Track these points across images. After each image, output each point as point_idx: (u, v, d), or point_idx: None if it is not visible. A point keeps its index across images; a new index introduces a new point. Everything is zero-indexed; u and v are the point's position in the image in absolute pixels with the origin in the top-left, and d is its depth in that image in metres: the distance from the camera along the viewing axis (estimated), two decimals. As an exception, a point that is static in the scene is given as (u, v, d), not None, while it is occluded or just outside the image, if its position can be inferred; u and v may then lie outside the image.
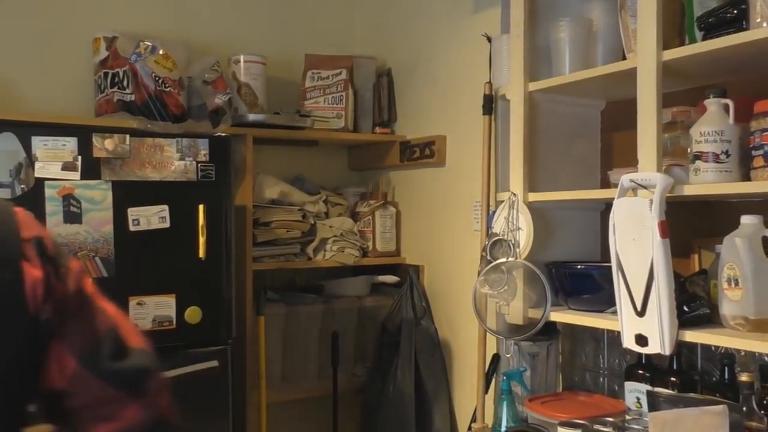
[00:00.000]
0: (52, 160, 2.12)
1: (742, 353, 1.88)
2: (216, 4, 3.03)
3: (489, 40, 2.37)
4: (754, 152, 1.69)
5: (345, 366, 2.91)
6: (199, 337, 2.31)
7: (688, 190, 1.77)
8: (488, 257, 2.20)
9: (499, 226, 2.21)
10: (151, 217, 2.25)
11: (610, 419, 1.90)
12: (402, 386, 2.60)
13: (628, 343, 1.85)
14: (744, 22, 1.68)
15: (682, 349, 1.94)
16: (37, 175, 2.10)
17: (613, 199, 1.87)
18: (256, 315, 2.67)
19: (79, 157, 2.15)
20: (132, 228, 2.22)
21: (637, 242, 1.80)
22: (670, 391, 1.88)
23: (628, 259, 1.83)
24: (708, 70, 1.89)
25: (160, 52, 2.47)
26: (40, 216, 2.09)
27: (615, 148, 2.34)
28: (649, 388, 1.93)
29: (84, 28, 2.71)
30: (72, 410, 0.98)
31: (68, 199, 2.13)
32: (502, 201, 2.24)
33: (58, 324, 0.95)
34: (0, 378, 0.91)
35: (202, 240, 2.30)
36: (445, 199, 2.76)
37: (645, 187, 1.81)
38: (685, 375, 1.96)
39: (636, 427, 1.86)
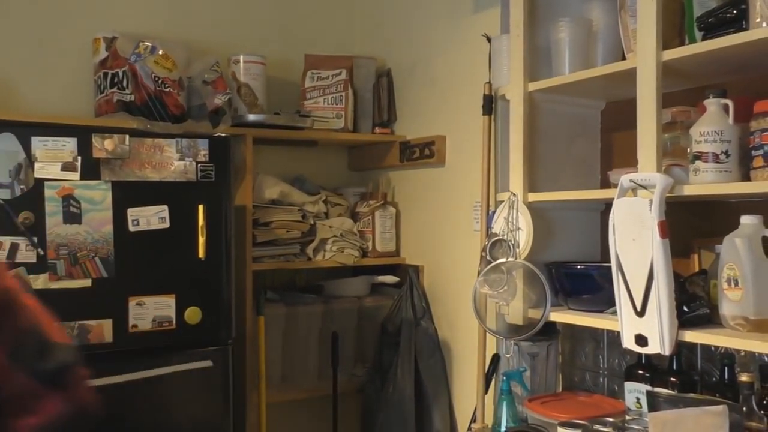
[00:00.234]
0: (52, 160, 2.12)
1: (742, 353, 1.88)
2: (216, 4, 3.03)
3: (489, 40, 2.37)
4: (753, 152, 1.69)
5: (345, 366, 2.91)
6: (198, 338, 2.31)
7: (688, 190, 1.77)
8: (488, 257, 2.20)
9: (498, 226, 2.21)
10: (151, 218, 2.25)
11: (610, 419, 1.90)
12: (402, 386, 2.60)
13: (628, 343, 1.85)
14: (744, 22, 1.68)
15: (681, 349, 1.94)
16: (36, 175, 2.10)
17: (613, 199, 1.87)
18: (256, 315, 2.67)
19: (79, 158, 2.15)
20: (132, 228, 2.21)
21: (636, 242, 1.80)
22: (670, 392, 1.88)
23: (627, 260, 1.83)
24: (708, 70, 1.89)
25: (160, 52, 2.47)
26: (40, 216, 2.09)
27: (615, 148, 2.34)
28: (649, 388, 1.93)
29: (84, 29, 2.71)
30: None
31: (68, 199, 2.13)
32: (502, 201, 2.24)
33: None
34: None
35: (201, 240, 2.30)
36: (445, 200, 2.76)
37: (645, 187, 1.81)
38: (685, 375, 1.96)
39: (636, 427, 1.86)
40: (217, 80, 2.57)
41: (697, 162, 1.76)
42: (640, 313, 1.80)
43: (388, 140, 3.01)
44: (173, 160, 2.28)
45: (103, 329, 2.17)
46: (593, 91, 2.25)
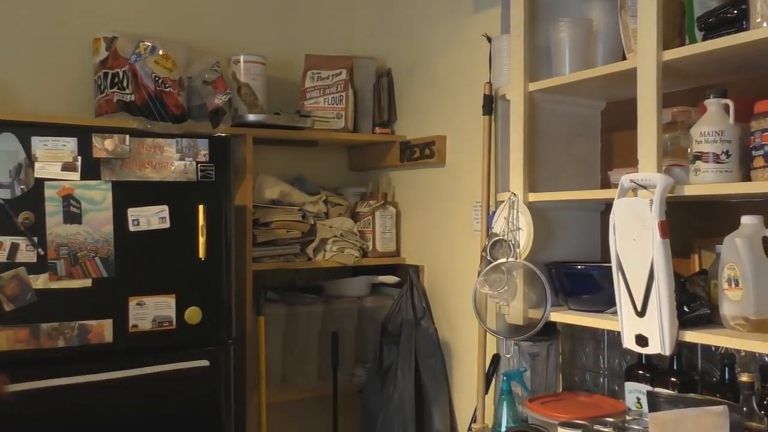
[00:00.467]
0: (52, 160, 2.12)
1: (743, 353, 1.88)
2: (216, 4, 3.03)
3: (489, 40, 2.37)
4: (754, 152, 1.69)
5: (345, 366, 2.91)
6: (199, 338, 2.31)
7: (689, 191, 1.77)
8: (488, 257, 2.20)
9: (499, 226, 2.21)
10: (151, 218, 2.25)
11: (611, 419, 1.90)
12: (402, 386, 2.60)
13: (629, 343, 1.85)
14: (744, 22, 1.68)
15: (682, 349, 1.94)
16: (36, 175, 2.10)
17: (614, 199, 1.87)
18: (256, 315, 2.67)
19: (79, 158, 2.15)
20: (132, 228, 2.21)
21: (637, 242, 1.80)
22: (670, 392, 1.88)
23: (628, 260, 1.83)
24: (708, 70, 1.89)
25: (160, 52, 2.47)
26: (41, 216, 2.09)
27: (615, 149, 2.34)
28: (650, 388, 1.93)
29: (84, 29, 2.71)
30: None
31: (68, 199, 2.13)
32: (502, 201, 2.24)
33: None
34: None
35: (202, 240, 2.30)
36: (445, 200, 2.76)
37: (645, 188, 1.81)
38: (686, 375, 1.96)
39: (636, 427, 1.86)
40: (218, 80, 2.57)
41: (698, 162, 1.76)
42: (641, 314, 1.80)
43: (389, 140, 3.01)
44: (173, 160, 2.28)
45: (103, 329, 2.17)
46: (593, 91, 2.25)
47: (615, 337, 2.19)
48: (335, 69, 2.99)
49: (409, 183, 3.00)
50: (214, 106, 2.53)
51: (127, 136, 2.22)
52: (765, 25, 1.61)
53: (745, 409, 1.68)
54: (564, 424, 1.91)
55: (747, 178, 1.72)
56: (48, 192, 2.11)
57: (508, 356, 2.26)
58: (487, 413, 2.32)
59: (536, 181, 2.22)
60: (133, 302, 2.21)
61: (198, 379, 2.30)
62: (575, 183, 2.28)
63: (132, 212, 2.22)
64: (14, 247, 2.06)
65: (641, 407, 1.98)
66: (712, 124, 1.76)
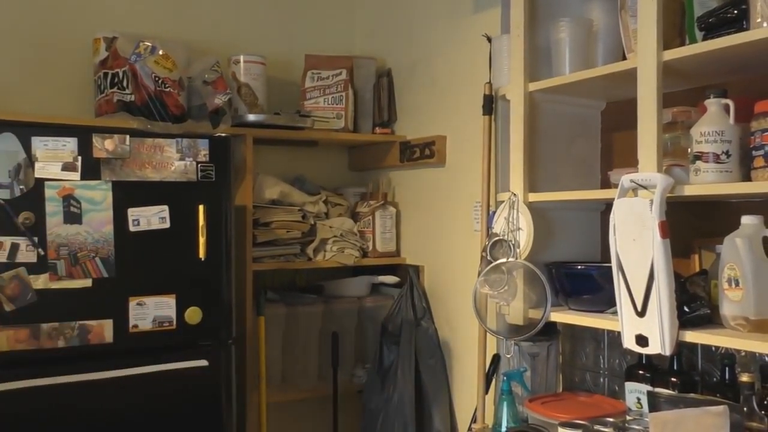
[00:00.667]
0: (52, 160, 2.12)
1: (743, 353, 1.88)
2: (216, 4, 3.03)
3: (489, 40, 2.37)
4: (754, 152, 1.69)
5: (345, 366, 2.91)
6: (199, 338, 2.31)
7: (689, 191, 1.77)
8: (488, 257, 2.20)
9: (499, 226, 2.21)
10: (151, 218, 2.24)
11: (611, 420, 1.90)
12: (402, 387, 2.60)
13: (629, 343, 1.85)
14: (744, 22, 1.68)
15: (682, 349, 1.94)
16: (37, 175, 2.10)
17: (614, 199, 1.87)
18: (257, 315, 2.67)
19: (79, 158, 2.15)
20: (132, 228, 2.21)
21: (637, 242, 1.80)
22: (670, 392, 1.88)
23: (628, 260, 1.83)
24: (708, 70, 1.89)
25: (160, 52, 2.47)
26: (41, 216, 2.09)
27: (615, 149, 2.34)
28: (650, 388, 1.93)
29: (84, 29, 2.71)
30: None
31: (68, 199, 2.13)
32: (503, 201, 2.24)
33: None
34: None
35: (202, 240, 2.30)
36: (445, 200, 2.76)
37: (645, 188, 1.81)
38: (686, 375, 1.96)
39: (636, 427, 1.86)
40: (218, 80, 2.57)
41: (698, 162, 1.76)
42: (641, 314, 1.80)
43: (389, 140, 3.01)
44: (173, 160, 2.28)
45: (103, 329, 2.17)
46: (594, 91, 2.24)
47: (615, 337, 2.19)
48: (335, 69, 2.99)
49: (409, 183, 3.00)
50: (214, 106, 2.53)
51: (128, 136, 2.22)
52: (765, 25, 1.61)
53: (745, 409, 1.68)
54: (564, 425, 1.91)
55: (747, 178, 1.72)
56: (48, 192, 2.11)
57: (509, 356, 2.26)
58: (487, 413, 2.32)
59: (536, 181, 2.22)
60: (133, 302, 2.21)
61: (198, 379, 2.30)
62: (575, 183, 2.28)
63: (132, 212, 2.22)
64: (14, 248, 2.06)
65: (641, 407, 1.98)
66: (712, 124, 1.76)
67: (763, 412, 1.68)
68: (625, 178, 1.84)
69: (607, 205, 2.00)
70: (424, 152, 2.81)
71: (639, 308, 1.80)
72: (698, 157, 1.76)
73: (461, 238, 2.65)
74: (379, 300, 2.99)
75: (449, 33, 2.73)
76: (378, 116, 3.04)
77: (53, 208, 2.11)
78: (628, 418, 1.96)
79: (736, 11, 1.70)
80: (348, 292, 2.99)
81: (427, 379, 2.62)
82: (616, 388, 2.23)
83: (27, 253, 2.08)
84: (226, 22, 3.04)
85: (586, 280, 2.11)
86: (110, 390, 2.18)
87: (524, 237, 2.16)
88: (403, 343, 2.64)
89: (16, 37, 2.66)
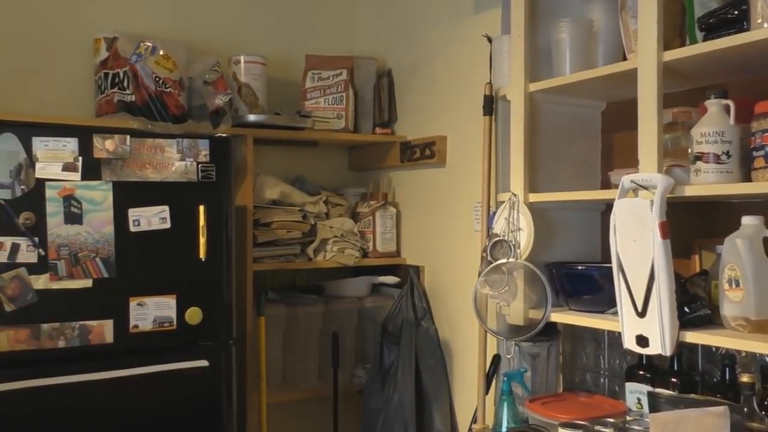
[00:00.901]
0: (53, 160, 2.12)
1: (743, 354, 1.88)
2: (216, 4, 3.04)
3: (489, 40, 2.37)
4: (754, 153, 1.68)
5: (345, 367, 2.91)
6: (199, 338, 2.31)
7: (689, 191, 1.77)
8: (489, 258, 2.20)
9: (499, 226, 2.21)
10: (152, 218, 2.25)
11: (611, 420, 1.90)
12: (402, 387, 2.60)
13: (629, 343, 1.85)
14: (745, 23, 1.68)
15: (682, 349, 1.94)
16: (37, 175, 2.10)
17: (614, 199, 1.87)
18: (257, 315, 2.67)
19: (80, 158, 2.15)
20: (132, 228, 2.21)
21: (637, 243, 1.80)
22: (670, 392, 1.88)
23: (628, 260, 1.83)
24: (709, 70, 1.89)
25: (161, 52, 2.47)
26: (41, 217, 2.09)
27: (616, 149, 2.34)
28: (650, 388, 1.93)
29: (84, 29, 2.71)
30: None
31: (69, 199, 2.13)
32: (503, 201, 2.24)
33: None
34: None
35: (202, 240, 2.30)
36: (446, 200, 2.76)
37: (646, 188, 1.81)
38: (686, 376, 1.96)
39: (637, 428, 1.86)
40: (218, 80, 2.57)
41: (698, 163, 1.76)
42: (641, 314, 1.80)
43: (389, 140, 3.01)
44: (174, 161, 2.28)
45: (103, 329, 2.17)
46: (594, 92, 2.24)
47: (615, 337, 2.19)
48: (335, 69, 2.99)
49: (410, 183, 3.00)
50: (215, 107, 2.53)
51: (128, 137, 2.22)
52: (766, 25, 1.61)
53: (745, 409, 1.68)
54: (564, 425, 1.91)
55: (747, 178, 1.72)
56: (49, 192, 2.11)
57: (509, 357, 2.26)
58: (487, 414, 2.32)
59: (536, 181, 2.22)
60: (133, 302, 2.21)
61: (198, 379, 2.30)
62: (576, 183, 2.28)
63: (133, 212, 2.22)
64: (15, 248, 2.06)
65: (642, 408, 1.98)
66: (712, 125, 1.76)
67: (763, 412, 1.68)
68: (626, 179, 1.84)
69: (608, 206, 1.99)
70: (425, 152, 2.81)
71: (639, 309, 1.80)
72: (699, 157, 1.76)
73: (461, 239, 2.65)
74: (380, 300, 2.99)
75: (450, 33, 2.73)
76: (378, 116, 3.04)
77: (54, 209, 2.11)
78: (628, 418, 1.96)
79: (736, 12, 1.69)
80: (348, 292, 2.99)
81: (427, 379, 2.62)
82: (617, 388, 2.23)
83: (27, 254, 2.08)
84: (227, 22, 3.05)
85: (586, 280, 2.11)
86: (111, 390, 2.18)
87: (524, 237, 2.16)
88: (403, 343, 2.64)
89: (17, 37, 2.66)
